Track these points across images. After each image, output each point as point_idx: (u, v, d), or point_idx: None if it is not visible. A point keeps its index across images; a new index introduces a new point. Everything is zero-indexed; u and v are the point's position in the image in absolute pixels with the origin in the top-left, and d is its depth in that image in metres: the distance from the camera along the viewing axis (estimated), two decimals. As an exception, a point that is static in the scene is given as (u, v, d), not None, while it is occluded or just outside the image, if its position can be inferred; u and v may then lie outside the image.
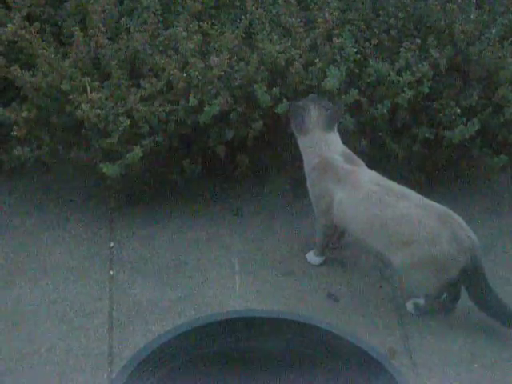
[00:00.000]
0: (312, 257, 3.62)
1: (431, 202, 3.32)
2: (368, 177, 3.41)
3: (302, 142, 3.52)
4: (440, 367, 3.18)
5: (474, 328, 3.34)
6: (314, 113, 3.46)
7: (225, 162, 3.85)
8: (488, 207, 3.95)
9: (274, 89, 3.63)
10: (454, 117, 3.72)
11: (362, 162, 3.49)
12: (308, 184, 3.54)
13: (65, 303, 3.36)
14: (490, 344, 3.28)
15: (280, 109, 3.61)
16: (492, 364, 3.20)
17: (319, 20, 3.75)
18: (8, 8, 3.82)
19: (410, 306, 3.41)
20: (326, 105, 3.49)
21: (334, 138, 3.50)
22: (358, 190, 3.37)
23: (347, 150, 3.50)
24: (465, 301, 3.33)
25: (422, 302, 3.39)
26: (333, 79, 3.60)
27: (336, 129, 3.50)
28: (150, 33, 3.73)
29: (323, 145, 3.46)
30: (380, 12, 3.89)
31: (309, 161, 3.51)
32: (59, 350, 3.16)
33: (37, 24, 3.71)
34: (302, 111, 3.46)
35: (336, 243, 3.68)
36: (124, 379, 2.21)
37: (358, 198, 3.37)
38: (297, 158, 3.62)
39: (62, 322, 3.28)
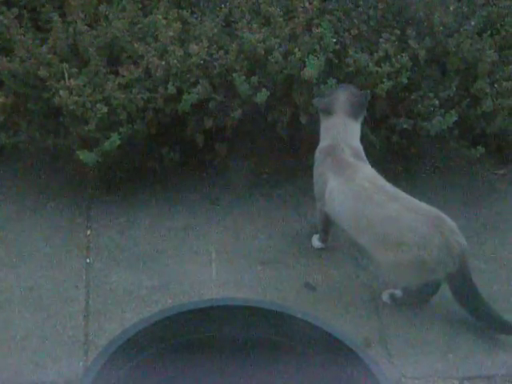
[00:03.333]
0: (315, 241, 3.63)
1: (423, 205, 3.27)
2: (363, 173, 3.37)
3: (324, 125, 3.49)
4: (415, 357, 3.20)
5: (449, 319, 3.35)
6: (341, 97, 3.46)
7: (203, 151, 3.85)
8: (465, 199, 3.95)
9: (253, 78, 3.63)
10: (432, 108, 3.73)
11: (365, 160, 3.45)
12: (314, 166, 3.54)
13: (41, 290, 3.35)
14: (465, 335, 3.30)
15: (259, 98, 3.61)
16: (466, 355, 3.23)
17: (299, 9, 3.74)
18: (-15, -7, 3.79)
19: (385, 296, 3.42)
20: (355, 91, 3.50)
21: (355, 128, 3.47)
22: (349, 184, 3.35)
23: (359, 146, 3.47)
24: (441, 292, 3.34)
25: (398, 293, 3.40)
26: (312, 69, 3.61)
27: (360, 120, 3.48)
28: (129, 20, 3.70)
29: (341, 131, 3.44)
30: (360, 2, 3.88)
31: (321, 143, 3.50)
32: (35, 338, 3.15)
33: (15, 9, 3.68)
34: (331, 94, 3.49)
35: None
36: (99, 367, 2.21)
37: (347, 192, 3.35)
38: (275, 147, 3.62)
39: (38, 310, 3.27)
